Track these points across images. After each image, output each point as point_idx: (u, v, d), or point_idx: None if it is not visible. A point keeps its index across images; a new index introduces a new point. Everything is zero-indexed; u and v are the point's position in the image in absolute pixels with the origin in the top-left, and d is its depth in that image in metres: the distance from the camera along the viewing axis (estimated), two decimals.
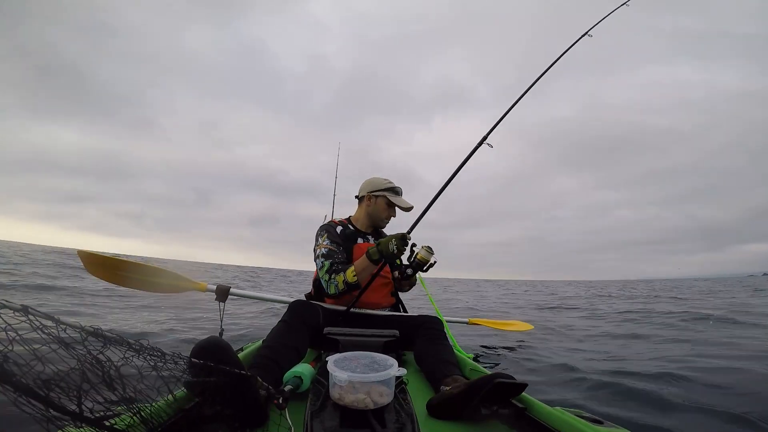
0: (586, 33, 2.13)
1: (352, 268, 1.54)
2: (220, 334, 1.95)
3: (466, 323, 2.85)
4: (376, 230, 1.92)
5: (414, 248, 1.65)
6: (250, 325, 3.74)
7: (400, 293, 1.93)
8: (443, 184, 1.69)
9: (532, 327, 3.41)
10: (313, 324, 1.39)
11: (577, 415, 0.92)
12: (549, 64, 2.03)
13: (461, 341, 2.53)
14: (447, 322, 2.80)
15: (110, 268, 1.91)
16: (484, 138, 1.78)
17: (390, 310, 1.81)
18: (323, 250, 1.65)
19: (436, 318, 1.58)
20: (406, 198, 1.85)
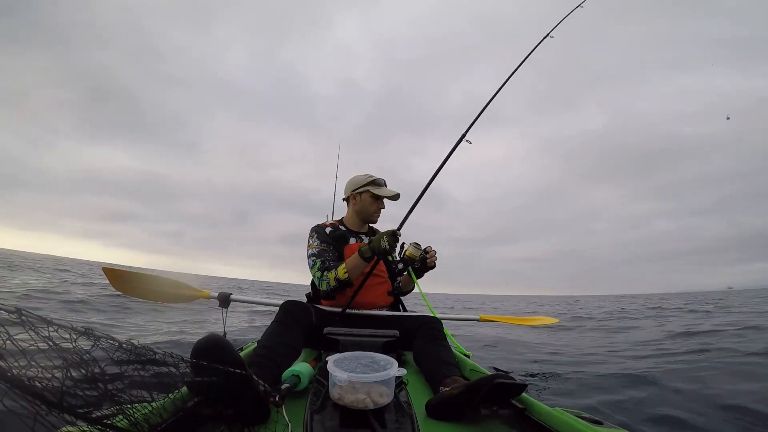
0: (548, 35, 2.22)
1: (344, 265, 1.57)
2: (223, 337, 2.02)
3: (478, 320, 2.77)
4: (371, 228, 1.93)
5: (403, 245, 1.75)
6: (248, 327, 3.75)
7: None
8: (428, 181, 1.74)
9: (557, 320, 3.12)
10: (305, 322, 1.39)
11: (577, 416, 0.91)
12: (517, 65, 2.11)
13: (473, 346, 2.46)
14: (455, 320, 2.81)
15: (130, 282, 2.15)
16: (463, 135, 1.82)
17: (388, 310, 1.81)
18: (314, 250, 1.69)
19: (435, 318, 1.58)
20: (391, 187, 1.86)
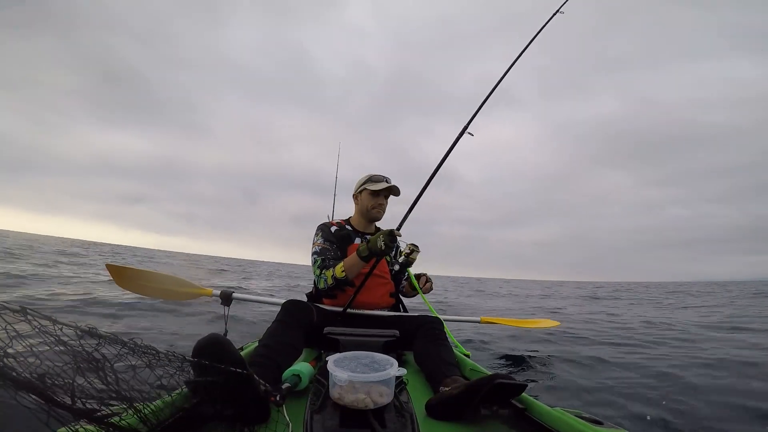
0: (558, 10, 2.11)
1: (341, 263, 1.57)
2: (224, 334, 2.03)
3: (478, 322, 2.76)
4: (378, 229, 1.92)
5: (399, 246, 1.78)
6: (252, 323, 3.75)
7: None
8: (428, 177, 1.69)
9: (558, 323, 3.09)
10: (306, 322, 1.40)
11: (577, 416, 0.92)
12: (524, 47, 2.01)
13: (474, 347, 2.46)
14: (456, 321, 2.82)
15: (134, 279, 2.15)
16: (465, 127, 1.77)
17: (389, 311, 1.81)
18: (316, 248, 1.70)
19: (436, 318, 1.58)
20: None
